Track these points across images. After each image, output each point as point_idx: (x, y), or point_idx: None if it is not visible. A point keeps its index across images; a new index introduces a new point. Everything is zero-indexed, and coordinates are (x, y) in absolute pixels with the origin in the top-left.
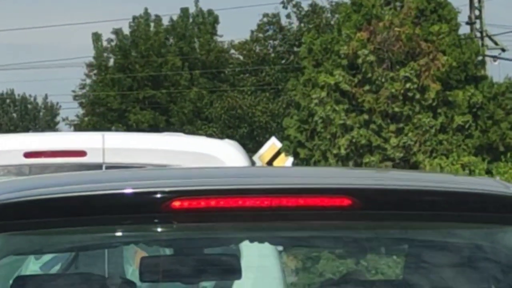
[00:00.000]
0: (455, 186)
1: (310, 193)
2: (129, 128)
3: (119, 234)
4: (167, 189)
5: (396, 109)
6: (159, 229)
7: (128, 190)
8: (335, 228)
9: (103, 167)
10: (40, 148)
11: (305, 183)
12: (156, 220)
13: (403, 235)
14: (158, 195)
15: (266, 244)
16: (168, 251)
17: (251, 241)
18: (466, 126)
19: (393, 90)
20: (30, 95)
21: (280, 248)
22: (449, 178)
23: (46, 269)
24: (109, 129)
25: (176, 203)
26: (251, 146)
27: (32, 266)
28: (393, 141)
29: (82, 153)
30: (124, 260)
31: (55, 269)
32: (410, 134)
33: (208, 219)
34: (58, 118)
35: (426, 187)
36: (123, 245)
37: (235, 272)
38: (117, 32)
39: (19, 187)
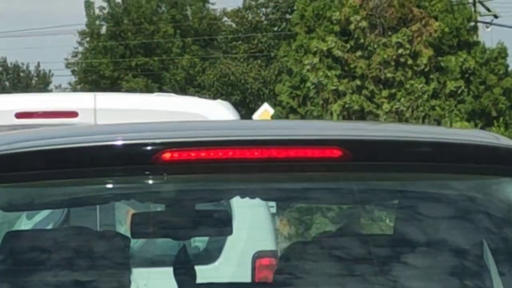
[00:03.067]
0: (447, 137)
1: (300, 144)
2: None
3: (109, 186)
4: (157, 141)
5: (389, 75)
6: (149, 181)
7: (119, 142)
8: (325, 180)
9: None
10: (31, 108)
11: (295, 134)
12: (146, 172)
13: (395, 187)
14: (149, 147)
15: (257, 196)
16: (159, 207)
17: (242, 192)
18: (459, 92)
19: (385, 56)
20: (22, 63)
21: (273, 209)
22: (441, 130)
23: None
24: None
25: (167, 155)
26: (243, 113)
27: (24, 226)
28: (386, 106)
29: (73, 114)
30: (116, 220)
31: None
32: (402, 99)
33: (198, 171)
34: (51, 86)
35: (417, 138)
36: (114, 198)
37: (226, 227)
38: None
39: (8, 140)
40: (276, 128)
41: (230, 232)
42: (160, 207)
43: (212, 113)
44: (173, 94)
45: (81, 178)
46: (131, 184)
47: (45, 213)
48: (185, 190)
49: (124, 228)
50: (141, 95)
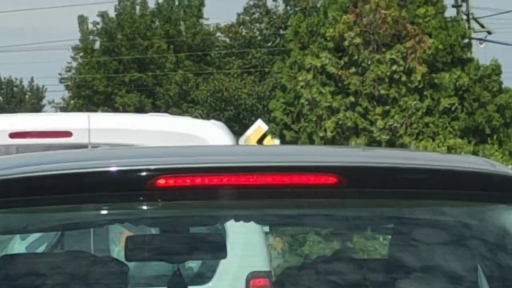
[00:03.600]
0: (441, 164)
1: (296, 171)
2: (115, 111)
3: (104, 212)
4: (152, 167)
5: (382, 92)
6: (144, 207)
7: (114, 168)
8: (321, 206)
9: (89, 148)
10: (26, 128)
11: (290, 161)
12: (141, 198)
13: (390, 213)
14: (143, 173)
15: (252, 222)
16: (153, 230)
17: (237, 219)
18: (452, 109)
19: (379, 73)
20: (16, 78)
21: (266, 228)
22: (435, 156)
23: (31, 249)
24: (95, 112)
25: (161, 181)
26: (237, 128)
27: (18, 246)
28: (379, 123)
29: (68, 134)
30: (109, 241)
31: (41, 249)
32: (396, 116)
33: (193, 197)
34: (44, 101)
35: (412, 165)
36: (108, 223)
37: (220, 251)
38: (103, 15)
39: (3, 165)
40: (271, 154)
41: (225, 256)
42: (154, 231)
43: (206, 133)
44: (167, 114)
45: (76, 204)
46: (126, 210)
47: (39, 233)
48: (180, 216)
49: (117, 249)
50: (135, 115)
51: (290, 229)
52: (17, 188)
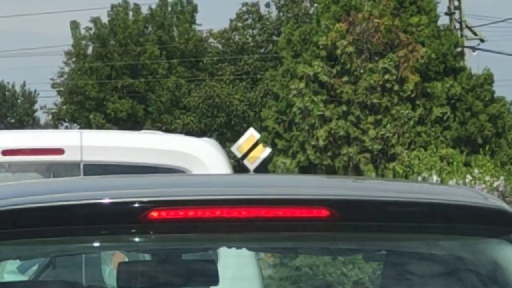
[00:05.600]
0: (434, 197)
1: (288, 204)
2: (107, 117)
3: (96, 244)
4: (145, 199)
5: (375, 101)
6: (137, 239)
7: (106, 200)
8: (313, 239)
9: (81, 165)
10: (18, 146)
11: (283, 194)
12: (134, 231)
13: (382, 247)
14: (136, 205)
15: (246, 254)
16: (146, 257)
17: (230, 251)
18: (445, 118)
19: (371, 82)
20: (8, 83)
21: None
22: (428, 189)
23: (23, 269)
24: (87, 118)
25: (154, 214)
26: (229, 135)
27: (10, 266)
28: (372, 132)
29: (60, 151)
30: (101, 261)
31: (32, 269)
32: (388, 125)
33: (186, 230)
34: (36, 106)
35: (404, 198)
36: (101, 251)
37: (212, 278)
38: (96, 20)
39: None
40: (264, 186)
41: (216, 283)
42: (147, 258)
43: (199, 151)
44: (160, 132)
45: (68, 236)
46: (119, 242)
47: None
48: (173, 249)
49: (109, 269)
50: (128, 132)
51: (283, 261)
52: (8, 220)
